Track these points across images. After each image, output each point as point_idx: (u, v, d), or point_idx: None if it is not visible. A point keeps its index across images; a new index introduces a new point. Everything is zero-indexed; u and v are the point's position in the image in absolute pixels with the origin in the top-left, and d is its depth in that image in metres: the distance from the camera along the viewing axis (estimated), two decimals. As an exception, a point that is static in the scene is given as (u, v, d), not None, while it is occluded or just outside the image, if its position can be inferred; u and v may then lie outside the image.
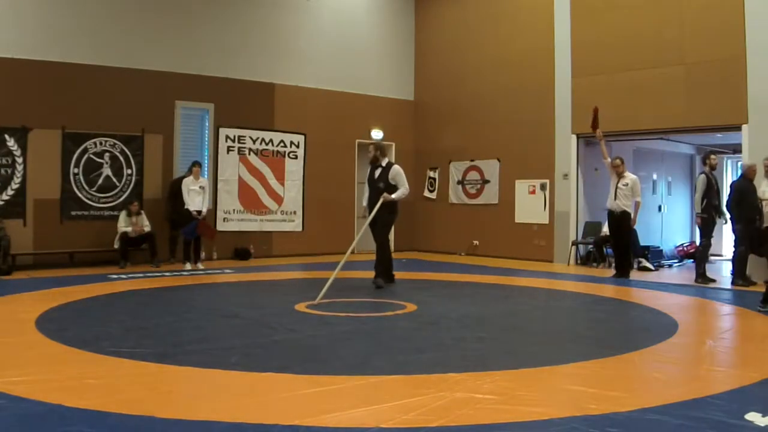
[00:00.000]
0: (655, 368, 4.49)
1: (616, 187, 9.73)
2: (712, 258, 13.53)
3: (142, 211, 10.71)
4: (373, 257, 8.71)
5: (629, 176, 9.81)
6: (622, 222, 9.69)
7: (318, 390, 3.79)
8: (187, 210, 10.40)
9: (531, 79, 12.52)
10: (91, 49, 10.74)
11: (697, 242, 13.92)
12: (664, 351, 4.98)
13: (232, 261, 11.90)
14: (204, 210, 10.60)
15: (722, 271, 11.61)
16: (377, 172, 8.65)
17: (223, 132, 12.23)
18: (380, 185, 8.51)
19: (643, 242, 11.58)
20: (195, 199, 10.48)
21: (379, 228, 8.51)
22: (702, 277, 9.45)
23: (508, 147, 12.97)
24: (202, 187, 10.62)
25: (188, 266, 10.42)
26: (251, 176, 12.56)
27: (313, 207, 13.16)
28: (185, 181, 10.55)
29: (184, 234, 10.54)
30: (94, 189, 10.87)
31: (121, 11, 11.07)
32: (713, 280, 9.47)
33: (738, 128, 10.02)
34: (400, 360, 4.58)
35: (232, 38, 12.25)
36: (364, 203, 8.87)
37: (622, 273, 9.76)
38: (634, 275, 10.12)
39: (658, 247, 12.64)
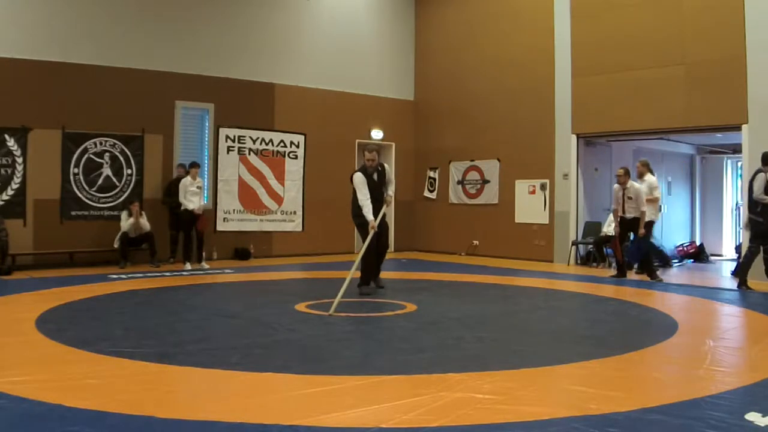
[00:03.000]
0: (655, 368, 4.49)
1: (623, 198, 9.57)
2: (712, 258, 13.59)
3: (143, 211, 10.71)
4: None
5: (633, 185, 9.63)
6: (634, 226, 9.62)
7: (318, 390, 3.79)
8: (186, 210, 10.44)
9: (531, 79, 12.52)
10: (91, 49, 10.73)
11: (697, 242, 14.06)
12: (664, 351, 4.99)
13: (232, 261, 11.90)
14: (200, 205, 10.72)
15: (722, 271, 11.62)
16: (376, 175, 8.13)
17: (223, 132, 12.22)
18: (383, 188, 8.16)
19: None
20: (193, 199, 10.54)
21: (386, 233, 8.24)
22: (745, 284, 8.66)
23: (508, 147, 12.96)
24: (199, 187, 10.72)
25: (188, 266, 10.44)
26: (251, 176, 12.55)
27: (313, 207, 13.16)
28: (183, 181, 10.58)
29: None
30: (94, 189, 10.87)
31: (121, 11, 11.07)
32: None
33: (738, 128, 10.02)
34: (400, 360, 4.58)
35: (232, 38, 12.25)
36: (371, 216, 7.72)
37: (651, 275, 9.63)
38: (635, 275, 10.11)
39: (659, 247, 12.64)
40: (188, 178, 10.60)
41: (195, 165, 10.79)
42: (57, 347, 4.83)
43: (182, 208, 10.48)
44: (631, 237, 9.82)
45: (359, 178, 7.92)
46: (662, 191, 13.87)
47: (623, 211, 9.64)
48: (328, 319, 6.13)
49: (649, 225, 9.95)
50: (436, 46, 14.43)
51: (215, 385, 3.99)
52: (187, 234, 10.64)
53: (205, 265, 10.61)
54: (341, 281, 6.94)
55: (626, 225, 9.69)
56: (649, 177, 10.35)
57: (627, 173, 9.66)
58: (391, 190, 8.25)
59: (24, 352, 4.70)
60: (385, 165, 8.36)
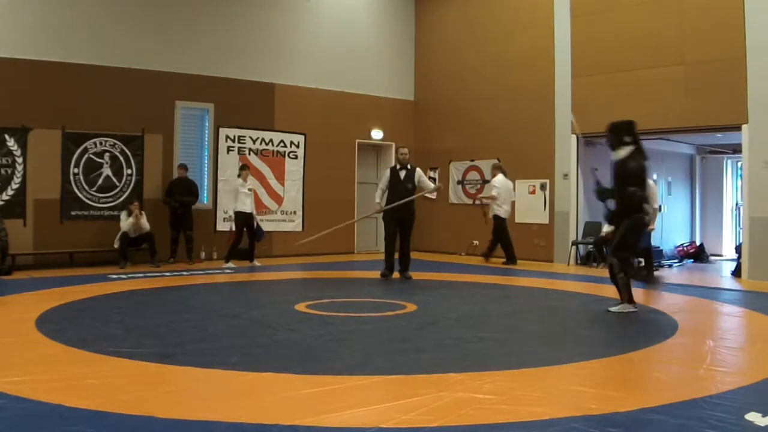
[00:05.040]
0: (655, 368, 4.49)
1: None
2: (712, 258, 13.59)
3: (143, 211, 10.70)
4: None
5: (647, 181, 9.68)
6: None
7: (318, 390, 3.79)
8: (239, 212, 10.94)
9: (531, 79, 12.51)
10: (91, 49, 10.74)
11: (697, 242, 14.06)
12: (664, 351, 4.98)
13: (232, 261, 11.88)
14: (254, 212, 11.28)
15: (722, 271, 11.62)
16: (403, 174, 9.37)
17: (223, 132, 12.23)
18: (409, 186, 9.32)
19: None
20: (246, 201, 11.00)
21: (409, 228, 9.41)
22: None
23: (508, 147, 12.96)
24: (250, 190, 11.13)
25: (257, 263, 11.15)
26: (251, 176, 12.53)
27: (313, 207, 13.16)
28: (235, 183, 11.20)
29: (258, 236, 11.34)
30: (94, 189, 10.87)
31: (121, 11, 11.07)
32: None
33: (738, 128, 10.02)
34: (400, 360, 4.58)
35: (232, 38, 12.25)
36: (378, 199, 9.52)
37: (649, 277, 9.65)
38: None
39: (658, 247, 12.63)
40: (240, 180, 11.10)
41: (246, 167, 11.36)
42: (57, 347, 4.82)
43: (234, 210, 11.02)
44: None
45: (386, 172, 9.78)
46: (662, 191, 13.91)
47: None
48: (328, 319, 6.13)
49: (498, 219, 11.42)
50: (436, 46, 14.43)
51: (215, 385, 3.99)
52: (240, 234, 11.01)
53: (257, 263, 11.23)
54: (341, 281, 6.94)
55: None
56: (498, 177, 11.65)
57: None
58: (431, 185, 9.94)
59: (24, 352, 4.69)
60: (417, 169, 9.58)
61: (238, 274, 10.17)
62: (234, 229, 11.14)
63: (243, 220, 10.98)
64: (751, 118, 9.75)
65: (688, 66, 10.45)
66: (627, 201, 6.43)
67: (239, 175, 11.21)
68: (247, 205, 11.00)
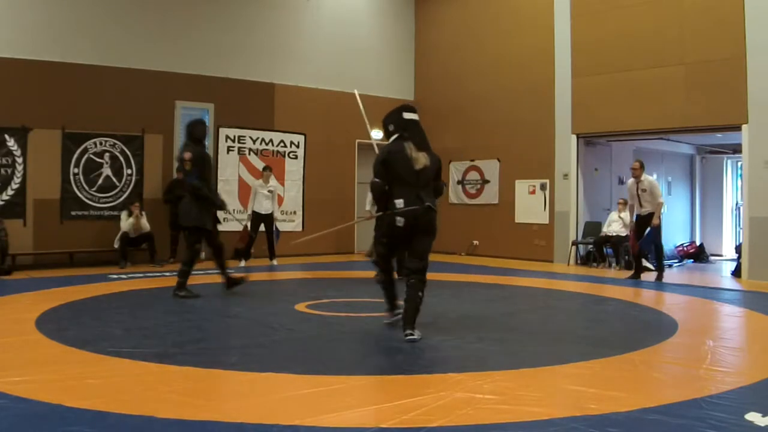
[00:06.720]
0: (655, 368, 4.48)
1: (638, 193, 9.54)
2: (712, 258, 13.59)
3: (143, 212, 10.71)
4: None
5: (647, 178, 9.64)
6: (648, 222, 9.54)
7: (318, 390, 3.79)
8: (254, 212, 11.04)
9: (531, 79, 12.51)
10: (91, 49, 10.74)
11: (697, 242, 14.06)
12: (664, 351, 4.98)
13: (232, 261, 11.87)
14: (277, 213, 11.48)
15: (722, 271, 11.62)
16: None
17: (223, 132, 12.23)
18: None
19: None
20: (263, 203, 11.10)
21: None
22: None
23: (508, 147, 12.96)
24: (270, 191, 11.20)
25: (242, 263, 11.06)
26: (251, 176, 12.55)
27: (313, 207, 13.16)
28: (254, 184, 11.31)
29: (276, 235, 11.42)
30: (94, 189, 10.87)
31: (121, 11, 11.07)
32: None
33: (738, 128, 10.02)
34: (400, 360, 4.58)
35: (232, 38, 12.25)
36: (368, 206, 9.46)
37: (658, 275, 9.58)
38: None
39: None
40: (259, 181, 11.18)
41: (267, 168, 11.44)
42: (57, 347, 4.82)
43: (252, 210, 11.09)
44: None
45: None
46: (662, 191, 13.90)
47: (640, 206, 9.54)
48: (328, 319, 6.14)
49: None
50: (436, 46, 14.43)
51: (215, 385, 3.99)
52: (255, 234, 11.09)
53: (275, 262, 11.38)
54: (341, 281, 6.94)
55: (642, 221, 9.54)
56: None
57: (642, 166, 9.63)
58: None
59: (24, 352, 4.69)
60: None
61: (238, 274, 10.15)
62: (249, 227, 11.07)
63: (258, 220, 11.07)
64: (751, 118, 9.75)
65: (688, 66, 10.45)
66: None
67: (262, 176, 11.36)
68: (263, 206, 11.07)
